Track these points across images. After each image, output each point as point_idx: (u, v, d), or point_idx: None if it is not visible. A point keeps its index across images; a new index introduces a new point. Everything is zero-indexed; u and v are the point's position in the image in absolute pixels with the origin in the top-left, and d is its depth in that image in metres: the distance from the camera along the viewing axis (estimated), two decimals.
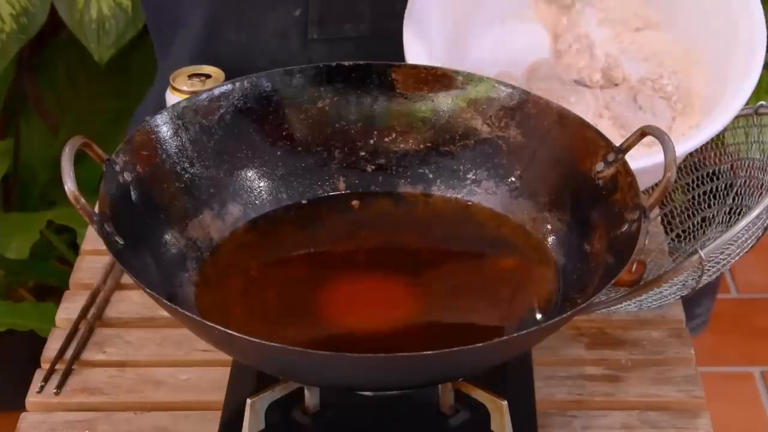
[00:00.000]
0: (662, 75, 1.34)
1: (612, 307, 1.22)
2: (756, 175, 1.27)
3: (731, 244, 1.18)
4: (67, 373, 1.20)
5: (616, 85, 1.35)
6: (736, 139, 1.32)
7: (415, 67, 1.21)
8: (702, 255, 1.15)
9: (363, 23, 1.42)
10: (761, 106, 1.28)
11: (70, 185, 1.01)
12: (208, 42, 1.44)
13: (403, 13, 1.29)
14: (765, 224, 1.20)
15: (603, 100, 1.33)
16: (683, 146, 1.22)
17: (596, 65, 1.36)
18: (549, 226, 1.16)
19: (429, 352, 0.98)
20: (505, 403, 1.06)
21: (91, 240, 1.38)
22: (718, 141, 1.33)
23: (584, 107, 1.31)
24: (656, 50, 1.38)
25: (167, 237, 1.12)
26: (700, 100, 1.31)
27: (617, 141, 1.22)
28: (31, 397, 1.18)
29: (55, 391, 1.18)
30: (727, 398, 2.25)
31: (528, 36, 1.39)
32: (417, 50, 1.27)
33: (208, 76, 1.33)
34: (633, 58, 1.38)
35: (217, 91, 1.18)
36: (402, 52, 1.24)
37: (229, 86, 1.19)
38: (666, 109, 1.31)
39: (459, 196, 1.20)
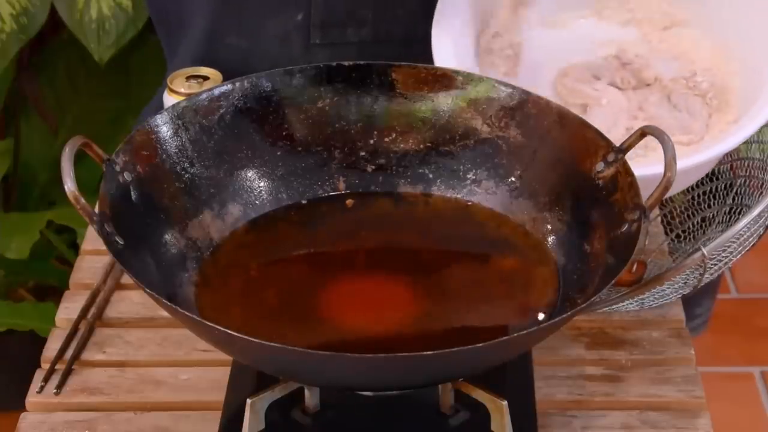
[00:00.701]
0: (695, 72, 1.33)
1: (613, 306, 1.22)
2: (756, 174, 1.27)
3: (733, 242, 1.18)
4: (67, 373, 1.20)
5: (648, 85, 1.34)
6: None
7: (414, 67, 1.21)
8: (705, 252, 1.15)
9: (365, 28, 1.42)
10: None
11: (70, 185, 1.01)
12: (210, 46, 1.44)
13: (405, 18, 1.29)
14: (766, 222, 1.20)
15: (636, 101, 1.32)
16: (723, 145, 1.21)
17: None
18: (549, 226, 1.16)
19: (429, 352, 0.98)
20: (505, 403, 1.06)
21: (91, 240, 1.38)
22: None
23: (617, 109, 1.30)
24: (686, 48, 1.37)
25: (167, 237, 1.12)
26: (735, 96, 1.30)
27: (654, 143, 1.22)
28: (31, 397, 1.18)
29: (55, 391, 1.18)
30: (727, 398, 2.25)
31: (554, 42, 1.39)
32: (446, 56, 1.27)
33: (206, 78, 1.33)
34: (663, 57, 1.37)
35: (217, 91, 1.18)
36: (403, 58, 1.24)
37: (229, 86, 1.19)
38: (702, 107, 1.30)
39: (459, 196, 1.20)
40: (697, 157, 1.20)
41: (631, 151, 1.21)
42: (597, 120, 1.26)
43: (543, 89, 1.32)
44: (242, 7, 1.42)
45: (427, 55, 1.27)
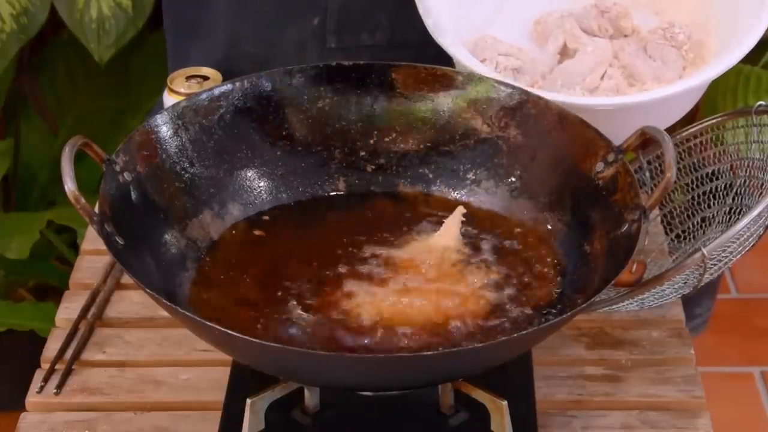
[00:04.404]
0: (673, 24, 1.34)
1: (613, 306, 1.22)
2: (756, 174, 1.27)
3: (733, 242, 1.18)
4: (67, 373, 1.20)
5: (626, 36, 1.35)
6: (736, 139, 1.32)
7: (414, 67, 1.21)
8: (705, 252, 1.15)
9: (379, 32, 1.42)
10: (761, 105, 1.28)
11: (70, 185, 1.01)
12: (227, 53, 1.44)
13: (419, 23, 1.29)
14: (766, 223, 1.20)
15: (612, 49, 1.33)
16: (689, 81, 1.24)
17: None
18: (549, 227, 1.16)
19: (429, 352, 0.98)
20: (505, 403, 1.06)
21: (91, 240, 1.38)
22: (717, 141, 1.33)
23: (600, 56, 1.30)
24: (667, 5, 1.37)
25: (167, 237, 1.12)
26: (711, 54, 1.31)
27: (627, 90, 1.26)
28: (31, 397, 1.18)
29: (55, 391, 1.18)
30: (727, 398, 2.25)
31: None
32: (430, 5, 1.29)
33: (206, 78, 1.33)
34: (644, 12, 1.37)
35: (217, 91, 1.18)
36: (418, 62, 1.24)
37: (229, 86, 1.19)
38: (677, 59, 1.30)
39: (459, 195, 1.20)
40: (667, 88, 1.24)
41: (602, 90, 1.26)
42: (577, 65, 1.29)
43: (520, 33, 1.34)
44: (260, 14, 1.42)
45: (442, 60, 1.27)
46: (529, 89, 1.22)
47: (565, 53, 1.33)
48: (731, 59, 1.24)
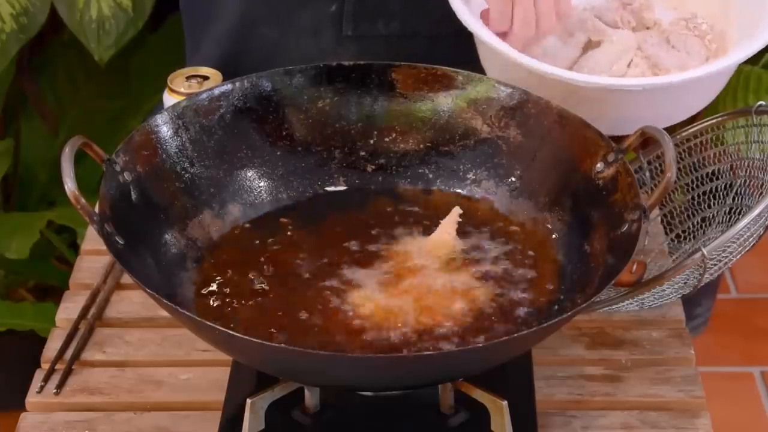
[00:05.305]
0: (696, 15, 1.34)
1: (613, 306, 1.22)
2: (756, 174, 1.27)
3: (733, 242, 1.18)
4: (67, 373, 1.20)
5: (648, 28, 1.35)
6: (736, 139, 1.32)
7: (414, 67, 1.21)
8: (704, 253, 1.15)
9: (394, 21, 1.42)
10: (761, 105, 1.28)
11: (70, 185, 1.01)
12: (241, 36, 1.44)
13: (432, 14, 1.29)
14: (766, 223, 1.20)
15: (635, 41, 1.32)
16: (715, 65, 1.24)
17: None
18: (549, 227, 1.16)
19: (429, 352, 0.98)
20: (505, 403, 1.06)
21: (91, 240, 1.38)
22: (717, 141, 1.33)
23: (625, 44, 1.30)
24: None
25: (167, 237, 1.12)
26: (733, 44, 1.30)
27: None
28: (31, 397, 1.18)
29: (55, 391, 1.18)
30: (727, 398, 2.25)
31: None
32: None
33: (206, 78, 1.33)
34: (664, 6, 1.37)
35: (217, 91, 1.18)
36: (430, 54, 1.23)
37: (229, 86, 1.19)
38: (700, 48, 1.30)
39: (459, 195, 1.20)
40: (699, 70, 1.23)
41: (629, 73, 1.25)
42: (602, 54, 1.28)
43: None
44: None
45: (454, 54, 1.27)
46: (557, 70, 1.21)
47: (588, 47, 1.32)
48: (759, 43, 1.23)
